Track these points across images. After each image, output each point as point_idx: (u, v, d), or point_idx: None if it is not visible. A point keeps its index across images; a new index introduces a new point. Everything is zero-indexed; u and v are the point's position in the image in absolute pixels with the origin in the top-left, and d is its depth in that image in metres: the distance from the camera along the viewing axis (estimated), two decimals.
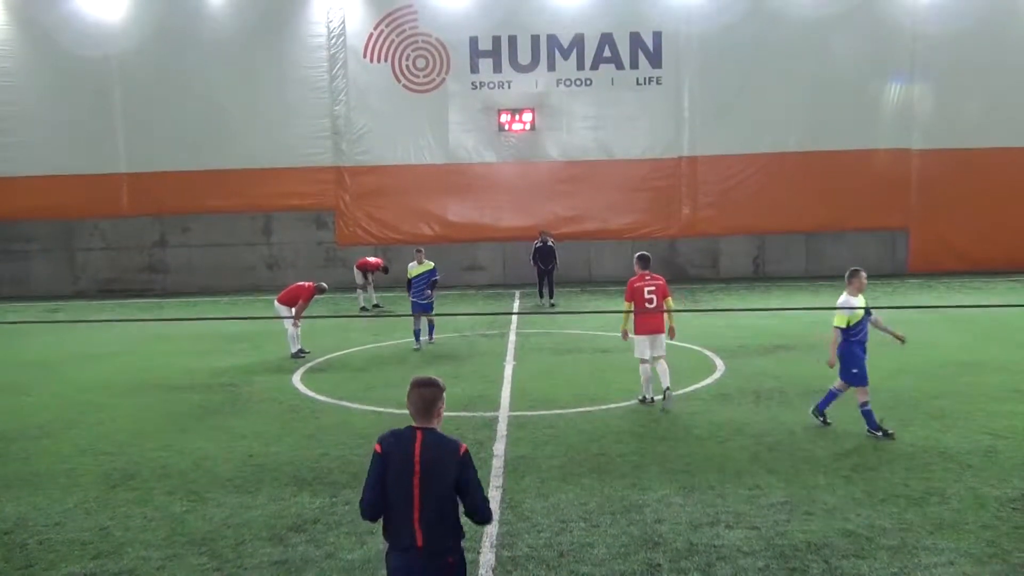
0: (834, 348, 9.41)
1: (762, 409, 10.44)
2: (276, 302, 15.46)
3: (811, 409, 9.81)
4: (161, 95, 25.39)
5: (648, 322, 10.75)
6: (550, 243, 21.31)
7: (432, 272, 15.65)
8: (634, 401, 10.97)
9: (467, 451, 4.23)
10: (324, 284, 15.83)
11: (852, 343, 9.32)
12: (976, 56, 24.76)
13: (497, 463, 8.52)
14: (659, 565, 6.11)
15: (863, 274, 9.54)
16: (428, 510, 4.18)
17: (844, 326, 9.32)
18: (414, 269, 15.69)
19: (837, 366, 9.44)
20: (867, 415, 9.21)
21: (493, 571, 6.10)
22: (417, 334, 15.48)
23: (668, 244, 26.28)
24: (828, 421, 9.61)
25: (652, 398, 10.85)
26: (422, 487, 4.18)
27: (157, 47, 25.37)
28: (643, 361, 10.84)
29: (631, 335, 10.99)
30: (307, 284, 15.36)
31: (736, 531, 6.66)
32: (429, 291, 15.47)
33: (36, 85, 25.65)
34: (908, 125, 25.46)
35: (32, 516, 7.41)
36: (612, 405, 10.86)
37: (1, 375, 13.96)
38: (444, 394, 4.35)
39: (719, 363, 13.33)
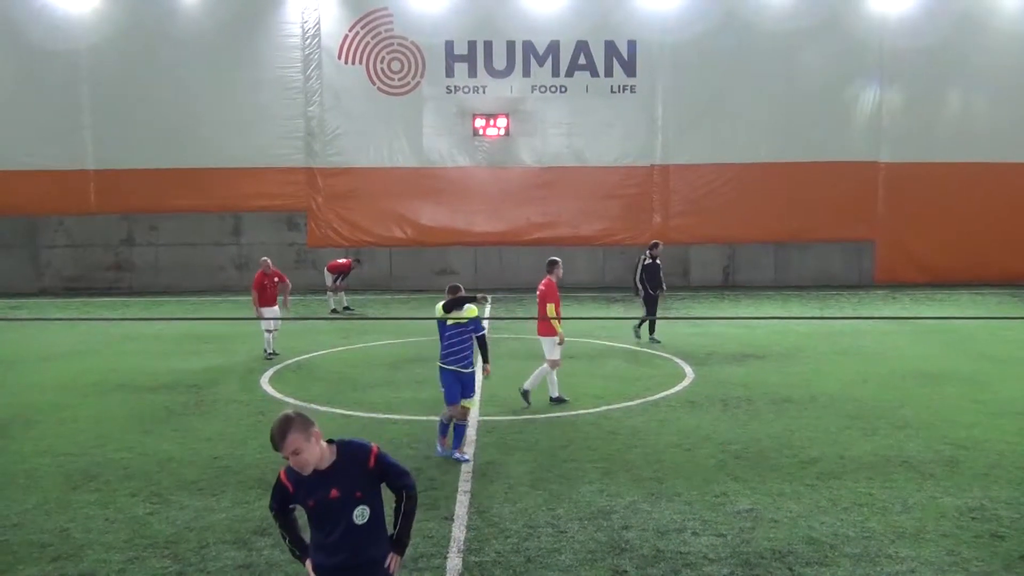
0: None
1: (729, 417, 10.52)
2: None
3: None
4: (131, 92, 25.05)
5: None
6: (659, 260, 16.82)
7: (476, 325, 9.17)
8: (604, 407, 11.02)
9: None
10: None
11: None
12: (944, 71, 25.29)
13: (466, 468, 8.50)
14: (626, 571, 6.12)
15: None
16: None
17: None
18: (465, 312, 9.10)
19: None
20: None
21: None
22: (445, 429, 9.10)
23: (640, 251, 26.42)
24: None
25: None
26: None
27: (127, 43, 25.04)
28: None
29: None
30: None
31: (702, 538, 6.71)
32: (468, 353, 9.07)
33: (2, 78, 25.20)
34: (876, 138, 25.88)
35: None
36: (581, 411, 10.89)
37: None
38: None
39: (688, 371, 13.43)
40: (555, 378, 11.45)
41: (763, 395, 11.62)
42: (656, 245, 17.13)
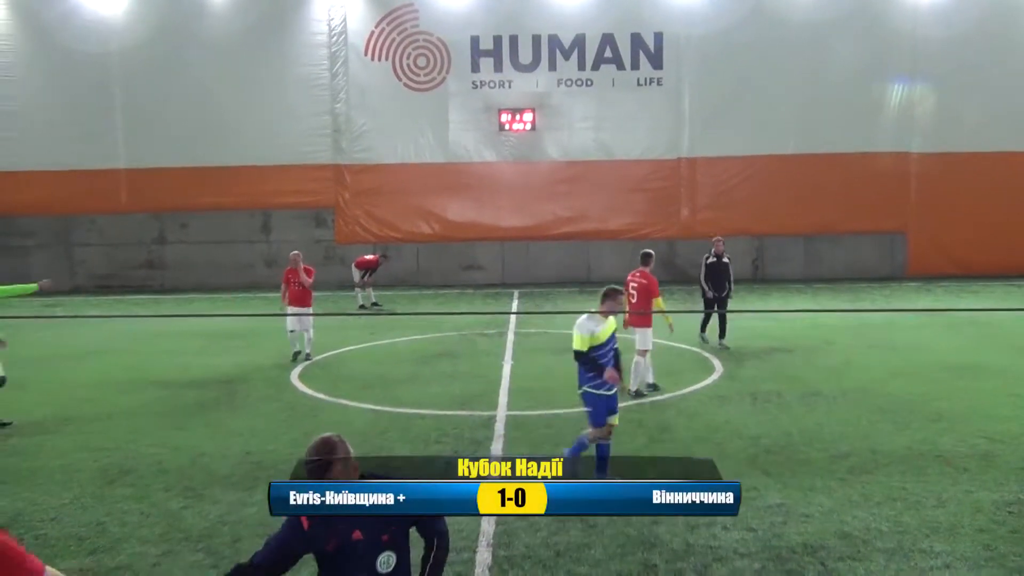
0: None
1: (759, 411, 10.44)
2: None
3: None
4: (161, 91, 25.34)
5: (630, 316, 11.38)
6: (726, 259, 15.15)
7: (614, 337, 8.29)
8: (632, 402, 10.99)
9: None
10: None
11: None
12: (976, 60, 24.78)
13: None
14: (655, 566, 6.11)
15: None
16: None
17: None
18: (602, 331, 8.07)
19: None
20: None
21: (489, 570, 6.10)
22: (582, 450, 7.98)
23: (667, 245, 26.26)
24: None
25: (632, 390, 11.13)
26: None
27: (157, 43, 25.31)
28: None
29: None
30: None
31: (733, 533, 6.67)
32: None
33: (36, 80, 25.60)
34: (908, 128, 25.48)
35: (28, 511, 7.40)
36: None
37: None
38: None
39: (717, 365, 13.34)
40: (650, 365, 11.69)
41: (793, 389, 11.52)
42: (719, 242, 15.28)
